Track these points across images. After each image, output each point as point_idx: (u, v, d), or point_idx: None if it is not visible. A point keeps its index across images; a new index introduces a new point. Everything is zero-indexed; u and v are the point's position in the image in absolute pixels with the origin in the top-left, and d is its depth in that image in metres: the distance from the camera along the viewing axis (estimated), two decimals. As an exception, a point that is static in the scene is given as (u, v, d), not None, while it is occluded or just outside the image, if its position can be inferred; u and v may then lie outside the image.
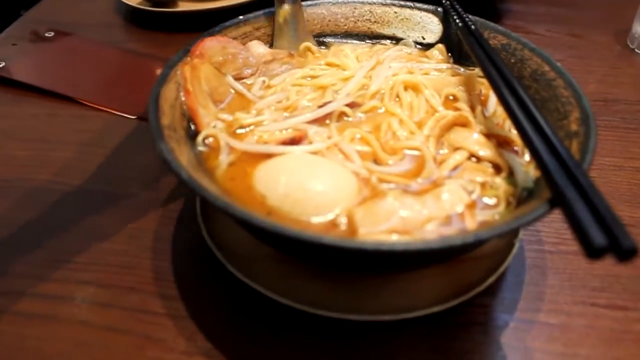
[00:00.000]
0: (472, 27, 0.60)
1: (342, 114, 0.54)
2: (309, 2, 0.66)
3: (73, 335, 0.51)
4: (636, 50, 1.00)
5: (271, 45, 0.64)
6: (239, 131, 0.53)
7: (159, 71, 0.87)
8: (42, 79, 0.87)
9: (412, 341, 0.51)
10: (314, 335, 0.51)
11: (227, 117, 0.55)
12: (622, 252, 0.35)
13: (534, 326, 0.54)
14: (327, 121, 0.53)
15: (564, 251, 0.60)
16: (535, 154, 0.43)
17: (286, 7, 0.63)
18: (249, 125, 0.53)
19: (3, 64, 0.88)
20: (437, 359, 0.50)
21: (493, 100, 0.56)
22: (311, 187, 0.44)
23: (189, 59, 0.54)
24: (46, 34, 0.99)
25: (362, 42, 0.67)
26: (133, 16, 1.09)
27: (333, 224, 0.43)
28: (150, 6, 1.03)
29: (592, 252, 0.35)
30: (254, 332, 0.51)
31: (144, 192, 0.66)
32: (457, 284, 0.51)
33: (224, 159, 0.49)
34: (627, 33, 1.03)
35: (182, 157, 0.44)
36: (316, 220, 0.43)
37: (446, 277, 0.52)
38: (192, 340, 0.50)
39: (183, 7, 1.04)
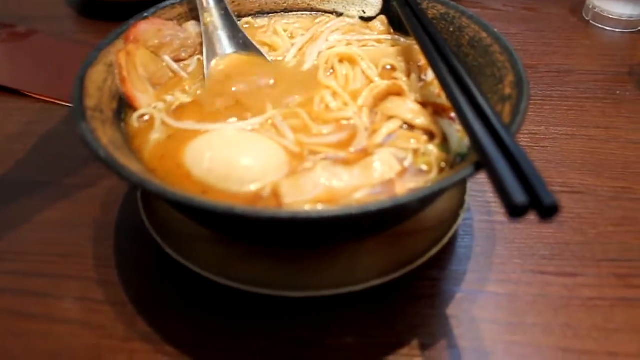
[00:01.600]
0: (409, -2, 0.59)
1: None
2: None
3: (7, 326, 0.50)
4: (591, 22, 1.00)
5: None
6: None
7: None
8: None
9: (360, 317, 0.50)
10: (257, 315, 0.50)
11: (170, 98, 0.54)
12: (544, 209, 0.34)
13: (482, 296, 0.53)
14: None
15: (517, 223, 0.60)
16: (462, 118, 0.42)
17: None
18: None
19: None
20: (385, 332, 0.49)
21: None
22: (235, 161, 0.43)
23: (124, 45, 0.53)
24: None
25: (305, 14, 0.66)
26: (84, 8, 1.07)
27: (257, 196, 0.42)
28: None
29: (514, 210, 0.34)
30: (195, 314, 0.50)
31: (86, 179, 0.65)
32: (401, 257, 0.50)
33: (154, 136, 0.48)
34: (582, 5, 1.03)
35: (104, 137, 0.43)
36: (238, 192, 0.42)
37: (390, 250, 0.51)
38: (132, 325, 0.49)
39: None
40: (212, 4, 0.60)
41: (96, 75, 0.50)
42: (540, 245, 0.58)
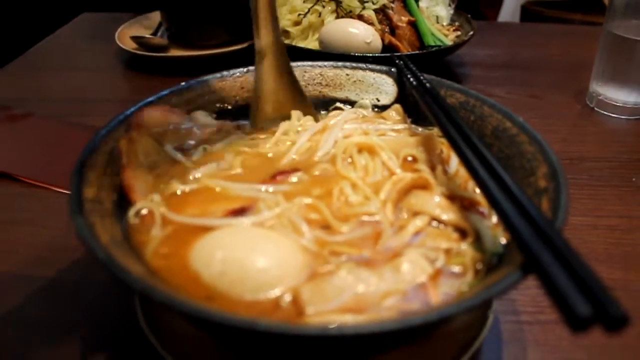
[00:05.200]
0: (428, 85, 0.57)
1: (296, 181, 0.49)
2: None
3: None
4: (596, 108, 0.99)
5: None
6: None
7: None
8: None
9: None
10: None
11: (165, 187, 0.50)
12: (611, 321, 0.30)
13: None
14: (278, 185, 0.48)
15: (544, 321, 0.55)
16: (502, 215, 0.38)
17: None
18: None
19: None
20: None
21: (455, 160, 0.53)
22: (250, 263, 0.38)
23: (127, 131, 0.50)
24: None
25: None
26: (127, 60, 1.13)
27: (276, 304, 0.37)
28: (145, 51, 1.12)
29: (577, 323, 0.30)
30: None
31: (79, 277, 0.60)
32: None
33: (156, 233, 0.43)
34: (586, 92, 1.02)
35: (104, 234, 0.38)
36: (255, 299, 0.37)
37: (414, 358, 0.45)
38: None
39: (174, 53, 1.14)
40: None
41: (97, 163, 0.46)
42: (575, 347, 0.53)
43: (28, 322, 0.54)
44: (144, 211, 0.46)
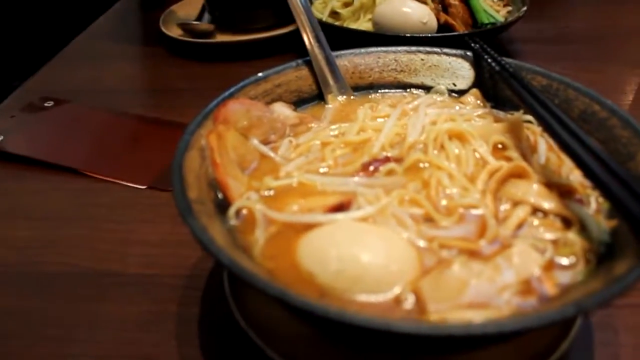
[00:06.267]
0: (511, 69, 0.56)
1: (389, 172, 0.49)
2: (333, 54, 0.62)
3: None
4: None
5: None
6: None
7: (165, 136, 0.84)
8: (44, 151, 0.82)
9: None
10: None
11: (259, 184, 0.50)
12: None
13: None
14: (373, 178, 0.48)
15: (634, 304, 0.54)
16: (616, 202, 0.38)
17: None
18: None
19: (1, 137, 0.84)
20: None
21: (543, 147, 0.52)
22: (369, 260, 0.38)
23: (214, 126, 0.50)
24: (45, 104, 0.95)
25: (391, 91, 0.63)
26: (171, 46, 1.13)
27: (398, 301, 0.37)
28: (191, 37, 1.12)
29: None
30: None
31: (160, 270, 0.61)
32: (524, 355, 0.45)
33: (260, 234, 0.43)
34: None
35: (217, 235, 0.39)
36: (377, 299, 0.37)
37: (511, 346, 0.45)
38: None
39: (220, 38, 1.13)
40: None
41: (192, 163, 0.46)
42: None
43: (108, 317, 0.56)
44: (244, 211, 0.46)
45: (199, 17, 1.19)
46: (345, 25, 1.02)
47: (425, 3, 0.97)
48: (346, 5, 1.05)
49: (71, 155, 0.82)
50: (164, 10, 1.23)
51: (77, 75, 1.10)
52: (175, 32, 1.14)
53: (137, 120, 0.91)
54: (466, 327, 0.30)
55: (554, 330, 0.46)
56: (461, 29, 0.96)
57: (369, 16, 1.00)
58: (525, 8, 1.03)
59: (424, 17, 0.92)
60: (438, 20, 0.96)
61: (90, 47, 1.23)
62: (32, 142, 0.85)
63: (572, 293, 0.37)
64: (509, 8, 1.09)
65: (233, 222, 0.45)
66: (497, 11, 1.06)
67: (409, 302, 0.37)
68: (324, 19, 1.03)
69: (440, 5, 0.99)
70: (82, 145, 0.86)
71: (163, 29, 1.14)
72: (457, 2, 0.99)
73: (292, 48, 0.63)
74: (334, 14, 1.06)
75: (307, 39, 0.63)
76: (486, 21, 1.00)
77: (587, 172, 0.42)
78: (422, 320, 0.36)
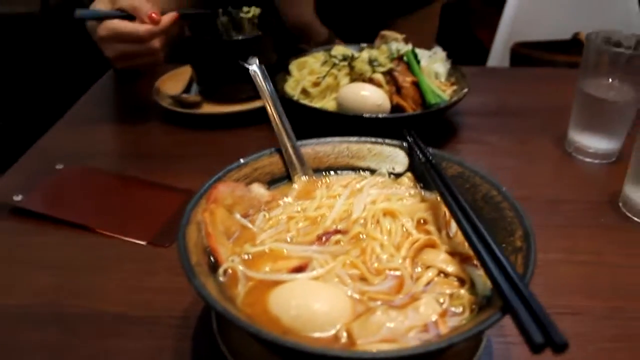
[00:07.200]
0: (432, 160, 0.74)
1: (337, 242, 0.66)
2: (298, 143, 0.80)
3: None
4: (573, 154, 1.16)
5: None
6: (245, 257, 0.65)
7: (160, 198, 1.00)
8: (58, 209, 0.97)
9: None
10: None
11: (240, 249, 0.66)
12: (556, 346, 0.47)
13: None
14: (325, 246, 0.66)
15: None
16: (487, 271, 0.56)
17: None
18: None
19: (20, 196, 0.98)
20: None
21: (453, 223, 0.69)
22: (316, 308, 0.55)
23: (206, 204, 0.66)
24: (56, 167, 1.10)
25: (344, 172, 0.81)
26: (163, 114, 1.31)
27: (336, 337, 0.54)
28: (180, 107, 1.29)
29: (535, 348, 0.47)
30: None
31: (159, 312, 0.76)
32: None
33: (241, 288, 0.60)
34: (565, 138, 1.19)
35: (213, 290, 0.55)
36: (322, 335, 0.54)
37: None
38: None
39: (206, 108, 1.31)
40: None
41: (191, 234, 0.63)
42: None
43: (118, 351, 0.71)
44: (229, 270, 0.62)
45: (187, 89, 1.37)
46: (314, 102, 1.20)
47: (382, 86, 1.16)
48: (315, 85, 1.23)
49: (81, 213, 0.96)
50: (144, 79, 1.41)
51: (73, 140, 1.26)
52: (166, 101, 1.31)
53: (135, 182, 1.06)
54: (377, 353, 0.48)
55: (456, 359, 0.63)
56: (410, 109, 1.14)
57: (334, 95, 1.18)
58: (465, 90, 1.21)
59: (379, 99, 1.11)
60: (391, 101, 1.14)
61: (90, 112, 1.39)
62: (47, 201, 1.00)
63: (453, 332, 0.54)
64: (455, 87, 1.28)
65: (222, 279, 0.61)
66: (444, 91, 1.25)
67: (344, 338, 0.54)
68: (295, 97, 1.22)
69: (394, 87, 1.18)
70: (90, 204, 1.01)
71: (156, 99, 1.31)
72: (408, 85, 1.18)
73: (267, 119, 0.81)
74: (304, 91, 1.24)
75: (278, 132, 0.80)
76: (433, 101, 1.18)
77: (472, 246, 0.59)
78: (351, 349, 0.52)
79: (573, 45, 1.97)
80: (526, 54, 1.98)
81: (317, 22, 1.59)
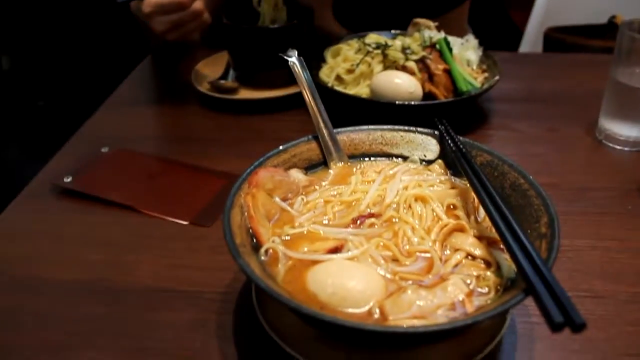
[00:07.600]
0: (463, 149, 0.77)
1: (371, 225, 0.71)
2: (334, 131, 0.84)
3: None
4: (604, 141, 1.18)
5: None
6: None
7: (200, 180, 1.06)
8: (105, 190, 1.03)
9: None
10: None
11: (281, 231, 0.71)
12: (575, 325, 0.50)
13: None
14: (359, 229, 0.70)
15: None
16: (512, 255, 0.59)
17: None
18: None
19: (70, 178, 1.05)
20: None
21: (482, 209, 0.73)
22: (351, 286, 0.60)
23: (248, 189, 0.71)
24: (102, 150, 1.16)
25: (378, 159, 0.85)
26: (201, 99, 1.36)
27: (369, 313, 0.59)
28: (216, 92, 1.34)
29: (554, 327, 0.51)
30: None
31: (202, 288, 0.81)
32: (462, 353, 0.66)
33: (281, 267, 0.65)
34: (595, 126, 1.20)
35: (257, 269, 0.60)
36: (356, 311, 0.59)
37: (454, 347, 0.66)
38: None
39: (243, 94, 1.36)
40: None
41: (235, 217, 0.67)
42: (570, 341, 0.72)
43: (167, 323, 0.76)
44: (270, 250, 0.67)
45: (225, 75, 1.41)
46: (348, 88, 1.24)
47: (414, 74, 1.19)
48: (349, 72, 1.27)
49: (126, 194, 1.02)
50: (183, 63, 1.47)
51: (120, 122, 1.32)
52: (204, 86, 1.36)
53: (176, 165, 1.12)
54: (408, 328, 0.52)
55: (482, 336, 0.67)
56: (442, 96, 1.18)
57: (368, 82, 1.22)
58: (497, 77, 1.23)
59: (411, 87, 1.14)
60: (423, 89, 1.17)
61: (130, 96, 1.45)
62: (95, 183, 1.05)
63: (479, 310, 0.58)
64: (486, 75, 1.30)
65: (263, 258, 0.66)
66: (475, 78, 1.27)
67: (377, 314, 0.59)
68: (329, 84, 1.25)
69: (426, 75, 1.21)
70: (135, 186, 1.07)
71: (194, 84, 1.36)
72: (440, 72, 1.21)
73: (303, 104, 0.85)
74: (338, 78, 1.28)
75: (316, 120, 0.84)
76: (465, 89, 1.21)
77: (498, 233, 0.63)
78: (383, 324, 0.57)
79: (609, 30, 1.95)
80: (560, 39, 1.97)
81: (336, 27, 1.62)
